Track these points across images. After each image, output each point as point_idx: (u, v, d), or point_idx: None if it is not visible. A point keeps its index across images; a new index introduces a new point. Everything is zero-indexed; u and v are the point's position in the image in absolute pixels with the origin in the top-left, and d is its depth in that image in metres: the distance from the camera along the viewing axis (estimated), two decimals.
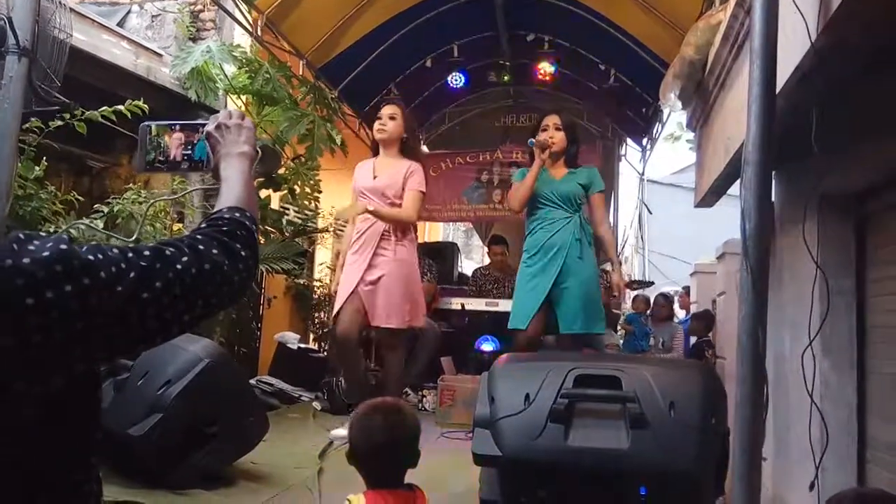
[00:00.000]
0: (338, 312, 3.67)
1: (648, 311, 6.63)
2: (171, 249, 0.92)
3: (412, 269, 3.82)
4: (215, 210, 1.09)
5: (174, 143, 1.25)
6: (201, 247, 0.96)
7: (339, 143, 4.85)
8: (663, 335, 6.07)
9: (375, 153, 3.93)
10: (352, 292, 3.63)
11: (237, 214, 1.07)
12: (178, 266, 0.91)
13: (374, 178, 3.75)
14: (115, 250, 0.87)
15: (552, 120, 3.83)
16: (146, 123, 1.27)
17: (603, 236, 3.82)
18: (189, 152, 1.25)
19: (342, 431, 3.51)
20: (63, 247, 0.81)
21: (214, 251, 0.97)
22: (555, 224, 3.68)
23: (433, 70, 6.77)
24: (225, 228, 1.03)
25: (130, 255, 0.88)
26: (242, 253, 1.01)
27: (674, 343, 5.93)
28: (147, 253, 0.89)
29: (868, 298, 2.71)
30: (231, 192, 1.13)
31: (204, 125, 1.23)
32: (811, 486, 1.91)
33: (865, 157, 2.37)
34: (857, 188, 2.67)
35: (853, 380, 2.67)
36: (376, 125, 3.83)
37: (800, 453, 2.58)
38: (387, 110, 3.85)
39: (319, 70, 5.65)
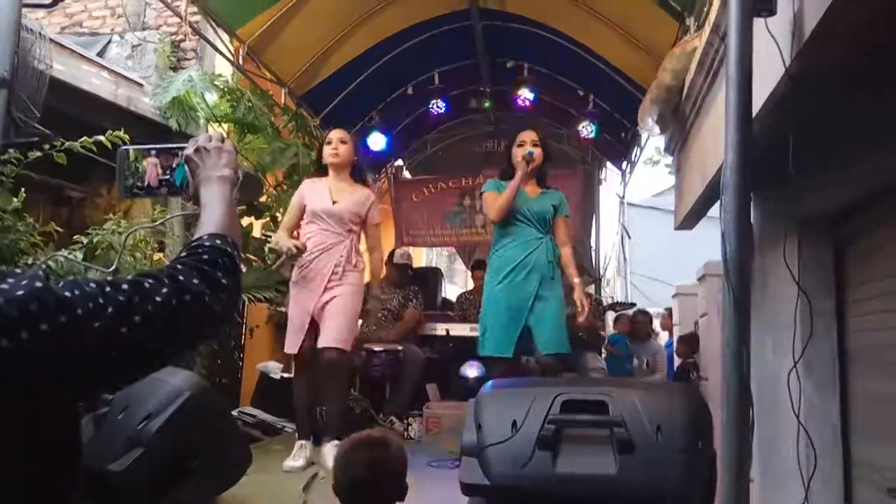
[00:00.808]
0: (300, 348, 3.62)
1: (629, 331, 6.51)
2: (149, 281, 0.90)
3: (359, 297, 3.77)
4: (195, 237, 1.06)
5: (152, 168, 1.23)
6: (181, 277, 0.93)
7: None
8: (645, 354, 5.94)
9: (322, 173, 3.87)
10: (309, 325, 3.61)
11: (218, 241, 1.04)
12: (158, 298, 0.89)
13: (334, 202, 3.72)
14: (93, 285, 0.85)
15: (529, 136, 3.79)
16: (124, 148, 1.25)
17: (564, 257, 3.75)
18: (168, 177, 1.23)
19: (293, 462, 3.47)
20: (38, 284, 0.80)
21: (195, 281, 0.94)
22: (529, 244, 3.63)
23: (415, 97, 6.83)
24: (205, 257, 1.00)
25: (108, 289, 0.86)
26: (224, 281, 0.98)
27: (657, 364, 5.80)
28: (125, 286, 0.87)
29: (848, 319, 2.75)
30: (211, 218, 1.10)
31: (183, 149, 1.21)
32: None
33: (841, 181, 2.41)
34: (834, 211, 2.72)
35: (836, 400, 2.69)
36: (328, 149, 3.79)
37: (785, 474, 2.59)
38: (336, 134, 3.84)
39: (301, 98, 5.68)
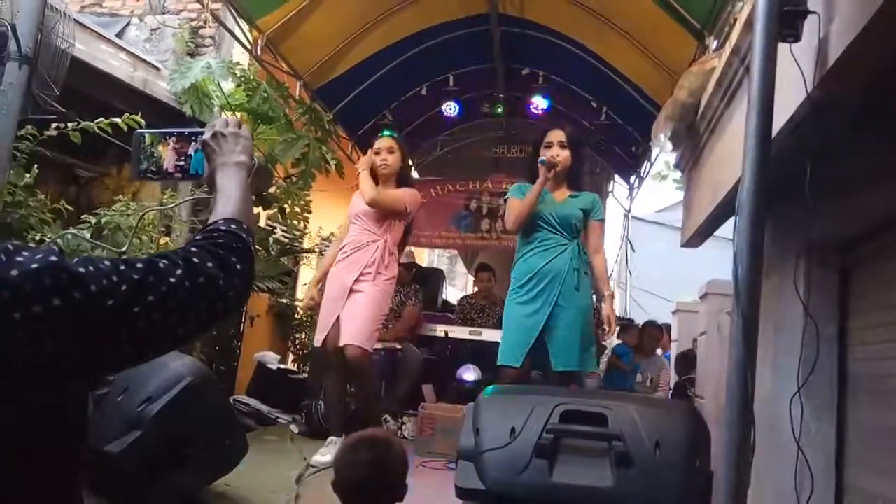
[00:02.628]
0: (328, 333, 3.66)
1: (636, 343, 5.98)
2: (164, 262, 0.90)
3: (387, 301, 3.84)
4: (211, 221, 1.06)
5: (168, 152, 1.23)
6: (196, 260, 0.93)
7: (333, 165, 4.86)
8: (650, 370, 5.50)
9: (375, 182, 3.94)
10: (340, 312, 3.65)
11: (233, 227, 1.03)
12: (172, 279, 0.88)
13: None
14: (107, 263, 0.85)
15: (556, 136, 3.57)
16: (140, 131, 1.25)
17: (596, 265, 3.54)
18: (182, 163, 1.23)
19: (321, 458, 3.47)
20: (53, 259, 0.79)
21: (209, 264, 0.94)
22: (551, 251, 3.42)
23: (428, 98, 6.84)
24: (221, 241, 0.99)
25: (122, 267, 0.85)
26: (238, 266, 0.98)
27: (661, 381, 5.35)
28: (140, 265, 0.87)
29: (849, 347, 2.75)
30: (227, 204, 1.09)
31: (199, 134, 1.21)
32: None
33: (850, 209, 2.42)
34: (841, 238, 2.73)
35: (833, 427, 2.69)
36: (377, 160, 3.83)
37: (776, 498, 2.59)
38: (385, 143, 3.88)
39: (316, 92, 5.69)
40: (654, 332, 5.60)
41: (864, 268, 2.70)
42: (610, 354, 6.11)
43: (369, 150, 3.97)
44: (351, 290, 3.66)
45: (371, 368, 3.84)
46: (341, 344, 3.62)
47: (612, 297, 3.50)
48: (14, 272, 0.76)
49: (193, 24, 5.57)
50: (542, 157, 3.50)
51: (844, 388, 2.72)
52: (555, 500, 1.90)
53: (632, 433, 1.90)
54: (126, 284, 0.84)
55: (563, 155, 3.55)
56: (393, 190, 3.83)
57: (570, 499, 1.88)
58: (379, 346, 4.86)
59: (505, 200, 3.75)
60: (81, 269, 0.81)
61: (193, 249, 0.96)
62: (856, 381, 2.67)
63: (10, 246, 0.79)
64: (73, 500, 0.91)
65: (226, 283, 0.95)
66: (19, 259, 0.77)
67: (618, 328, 6.19)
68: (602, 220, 3.63)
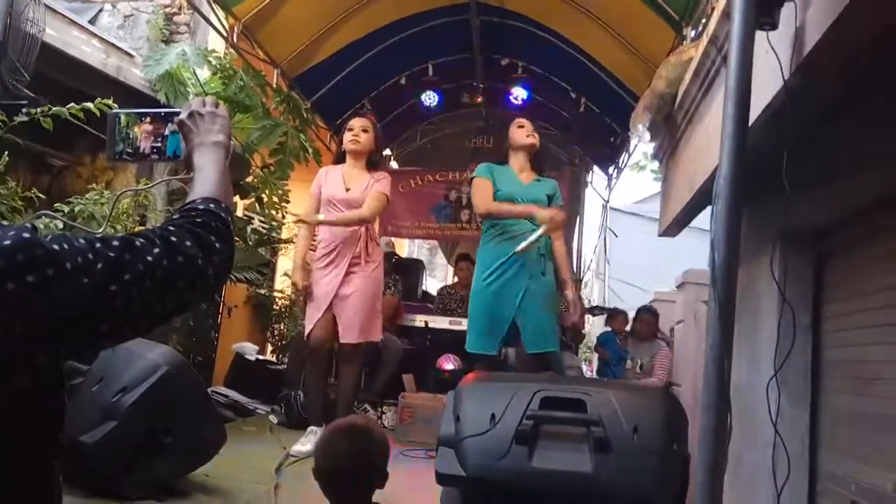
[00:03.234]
0: (314, 326, 3.65)
1: (627, 329, 5.76)
2: (141, 241, 0.88)
3: (379, 286, 3.87)
4: (188, 200, 1.04)
5: (143, 133, 1.21)
6: (174, 238, 0.92)
7: (311, 153, 4.81)
8: (643, 356, 5.31)
9: (339, 161, 3.91)
10: (327, 307, 3.64)
11: (212, 205, 1.02)
12: (149, 258, 0.87)
13: (347, 189, 3.74)
14: (82, 240, 0.83)
15: (527, 121, 3.75)
16: (114, 111, 1.23)
17: (557, 251, 3.62)
18: (158, 144, 1.21)
19: (301, 447, 3.45)
20: (26, 235, 0.77)
21: (188, 243, 0.92)
22: (520, 238, 3.48)
23: (407, 88, 6.81)
24: (199, 220, 0.98)
25: (98, 245, 0.84)
26: (217, 245, 0.96)
27: (655, 364, 5.14)
28: (116, 243, 0.85)
29: (823, 334, 2.80)
30: (205, 183, 1.07)
31: (175, 114, 1.19)
32: None
33: (825, 197, 2.46)
34: (816, 226, 2.77)
35: (807, 413, 2.74)
36: (348, 136, 3.81)
37: (752, 483, 2.64)
38: (359, 122, 3.86)
39: (293, 80, 5.63)
40: (646, 318, 5.45)
41: (840, 256, 2.74)
42: (595, 344, 6.01)
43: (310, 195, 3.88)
44: (341, 286, 3.65)
45: (360, 363, 3.88)
46: (348, 342, 3.65)
47: (573, 282, 3.60)
48: None
49: (168, 10, 5.47)
50: (526, 136, 3.66)
51: (819, 374, 2.77)
52: (534, 486, 1.91)
53: (610, 418, 1.92)
54: (102, 262, 0.82)
55: (537, 136, 3.72)
56: (372, 195, 3.73)
57: (549, 484, 1.89)
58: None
59: (469, 184, 3.80)
60: (56, 246, 0.80)
61: (171, 228, 0.94)
62: (830, 368, 2.72)
63: None
64: (51, 490, 0.89)
65: (205, 262, 0.93)
66: None
67: (605, 315, 6.15)
68: (562, 206, 3.74)
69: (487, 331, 3.50)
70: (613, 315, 5.97)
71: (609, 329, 5.92)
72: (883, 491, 2.14)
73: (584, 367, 7.38)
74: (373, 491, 1.57)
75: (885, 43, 1.57)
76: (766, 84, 1.90)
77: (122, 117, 1.22)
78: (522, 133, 3.68)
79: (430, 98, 6.96)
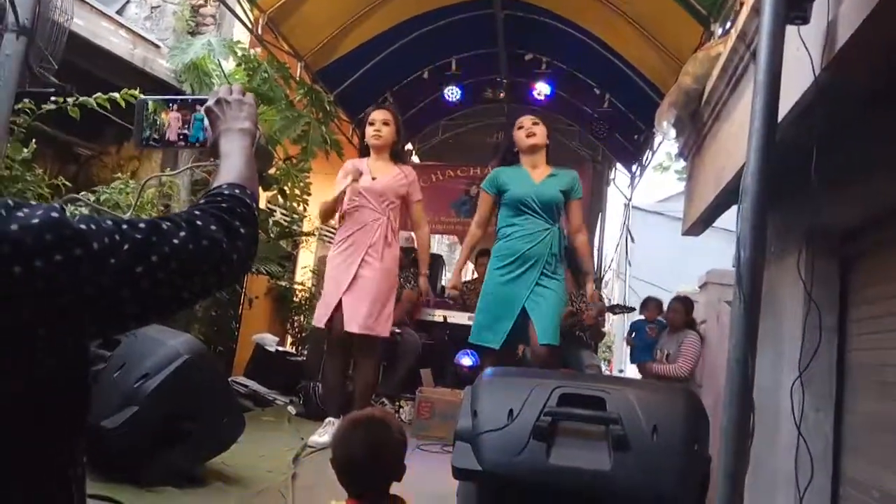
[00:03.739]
0: (331, 318, 3.64)
1: (660, 318, 5.51)
2: (167, 224, 0.89)
3: (394, 278, 3.85)
4: (214, 186, 1.05)
5: (171, 120, 1.22)
6: (199, 222, 0.92)
7: (331, 145, 4.82)
8: (671, 346, 5.10)
9: (364, 154, 3.93)
10: (343, 294, 3.63)
11: (237, 191, 1.02)
12: (175, 241, 0.87)
13: (373, 179, 3.75)
14: (109, 222, 0.83)
15: (528, 118, 3.73)
16: (143, 98, 1.24)
17: (579, 244, 3.64)
18: (185, 131, 1.22)
19: (318, 438, 3.47)
20: (54, 215, 0.78)
21: (213, 227, 0.93)
22: (534, 235, 3.52)
23: (430, 82, 6.80)
24: (224, 205, 0.98)
25: (125, 226, 0.84)
26: (242, 231, 0.97)
27: (681, 353, 4.91)
28: (142, 226, 0.86)
29: (849, 336, 2.75)
30: (231, 169, 1.08)
31: (203, 101, 1.20)
32: None
33: (854, 197, 2.41)
34: (845, 227, 2.71)
35: (830, 416, 2.69)
36: (370, 130, 3.82)
37: (772, 484, 2.60)
38: (380, 115, 3.85)
39: (317, 73, 5.65)
40: (677, 307, 5.19)
41: (867, 258, 2.69)
42: (627, 333, 5.89)
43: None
44: (356, 273, 3.64)
45: (377, 355, 3.84)
46: (351, 330, 3.60)
47: (594, 276, 3.61)
48: (14, 226, 0.74)
49: (194, 2, 5.51)
50: (526, 134, 3.66)
51: (844, 377, 2.72)
52: (551, 482, 1.89)
53: (630, 417, 1.90)
54: (129, 244, 0.82)
55: (538, 130, 3.65)
56: (417, 210, 3.90)
57: (566, 481, 1.87)
58: None
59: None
60: (83, 227, 0.80)
61: (196, 213, 0.95)
62: (856, 371, 2.67)
63: (10, 202, 0.77)
64: (74, 469, 0.90)
65: (229, 246, 0.94)
66: (19, 214, 0.76)
67: (642, 303, 6.01)
68: (581, 199, 3.70)
69: (488, 324, 3.53)
70: (646, 303, 5.82)
71: (642, 317, 5.78)
72: None
73: (604, 367, 7.31)
74: (390, 484, 1.56)
75: None
76: (796, 80, 1.86)
77: (150, 104, 1.24)
78: (521, 134, 3.66)
79: (452, 93, 6.94)
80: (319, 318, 3.73)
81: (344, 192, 3.67)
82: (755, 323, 1.59)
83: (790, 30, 1.75)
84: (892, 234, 2.44)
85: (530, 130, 3.64)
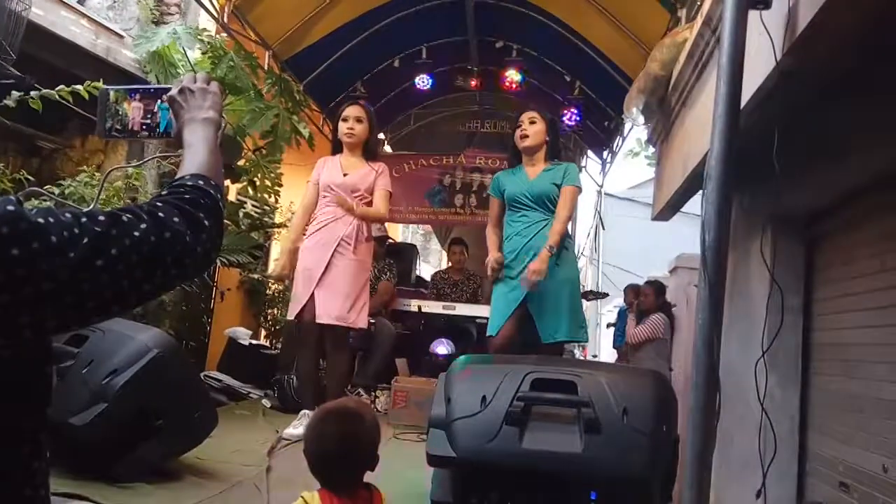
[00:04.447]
0: (303, 310, 3.63)
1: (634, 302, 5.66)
2: (128, 216, 0.87)
3: (366, 270, 3.83)
4: (177, 177, 1.03)
5: (134, 110, 1.21)
6: (161, 214, 0.90)
7: (305, 136, 4.77)
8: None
9: (337, 151, 3.90)
10: (315, 287, 3.62)
11: (201, 182, 1.01)
12: (136, 233, 0.86)
13: (344, 175, 3.73)
14: (68, 214, 0.82)
15: (526, 115, 3.68)
16: (105, 88, 1.23)
17: (553, 223, 3.49)
18: (148, 121, 1.21)
19: (293, 430, 3.46)
20: (10, 208, 0.76)
21: (175, 219, 0.91)
22: (530, 228, 3.52)
23: (401, 70, 6.75)
24: (187, 196, 0.97)
25: (84, 219, 0.82)
26: (206, 222, 0.95)
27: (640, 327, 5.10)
28: (102, 218, 0.84)
29: (814, 317, 2.81)
30: (195, 159, 1.06)
31: (166, 91, 1.18)
32: (757, 494, 1.96)
33: (816, 180, 2.45)
34: (807, 210, 2.77)
35: (797, 394, 2.76)
36: (343, 127, 3.78)
37: (741, 463, 2.66)
38: (353, 111, 3.81)
39: (285, 62, 5.58)
40: (645, 290, 5.34)
41: (831, 239, 2.75)
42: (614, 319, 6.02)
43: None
44: (328, 264, 3.62)
45: (346, 348, 3.83)
46: (321, 322, 3.58)
47: (548, 252, 3.39)
48: None
49: None
50: (521, 133, 3.65)
51: (809, 356, 2.79)
52: (525, 466, 1.92)
53: (601, 400, 1.92)
54: (88, 237, 0.81)
55: (532, 129, 3.63)
56: (380, 193, 3.76)
57: (539, 464, 1.90)
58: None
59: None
60: (41, 220, 0.78)
61: (159, 204, 0.93)
62: (821, 350, 2.74)
63: None
64: (39, 462, 0.89)
65: (193, 238, 0.92)
66: None
67: (624, 288, 6.05)
68: (575, 186, 3.59)
69: (496, 316, 3.56)
70: (626, 290, 6.07)
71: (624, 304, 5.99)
72: (870, 472, 2.16)
73: (577, 352, 7.39)
74: (363, 473, 1.56)
75: (878, 25, 1.56)
76: (759, 65, 1.89)
77: (112, 93, 1.22)
78: (517, 134, 3.67)
79: (423, 81, 6.90)
80: (293, 311, 3.72)
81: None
82: (720, 304, 1.62)
83: (753, 15, 1.77)
84: (854, 216, 2.50)
85: (524, 131, 3.63)
